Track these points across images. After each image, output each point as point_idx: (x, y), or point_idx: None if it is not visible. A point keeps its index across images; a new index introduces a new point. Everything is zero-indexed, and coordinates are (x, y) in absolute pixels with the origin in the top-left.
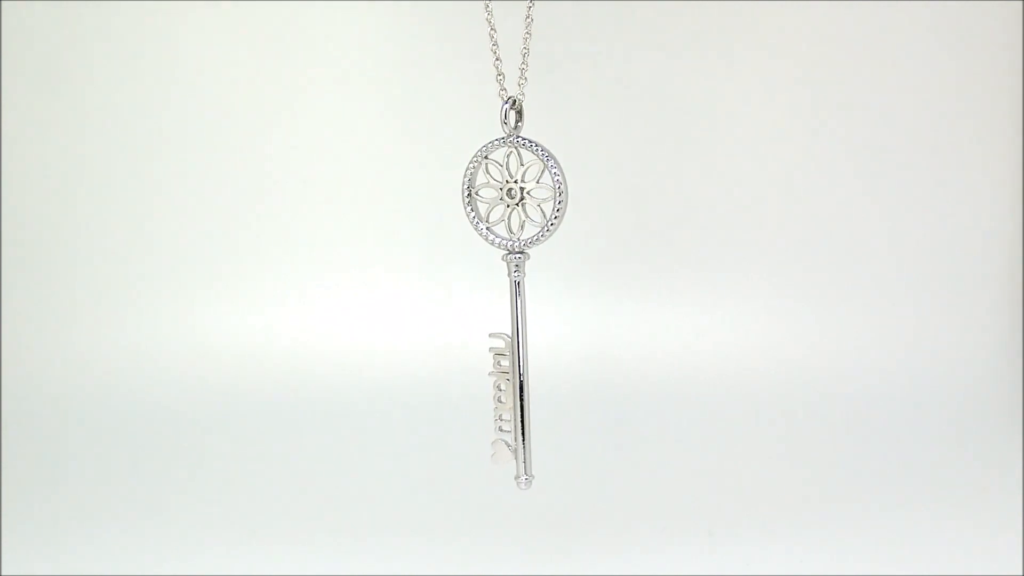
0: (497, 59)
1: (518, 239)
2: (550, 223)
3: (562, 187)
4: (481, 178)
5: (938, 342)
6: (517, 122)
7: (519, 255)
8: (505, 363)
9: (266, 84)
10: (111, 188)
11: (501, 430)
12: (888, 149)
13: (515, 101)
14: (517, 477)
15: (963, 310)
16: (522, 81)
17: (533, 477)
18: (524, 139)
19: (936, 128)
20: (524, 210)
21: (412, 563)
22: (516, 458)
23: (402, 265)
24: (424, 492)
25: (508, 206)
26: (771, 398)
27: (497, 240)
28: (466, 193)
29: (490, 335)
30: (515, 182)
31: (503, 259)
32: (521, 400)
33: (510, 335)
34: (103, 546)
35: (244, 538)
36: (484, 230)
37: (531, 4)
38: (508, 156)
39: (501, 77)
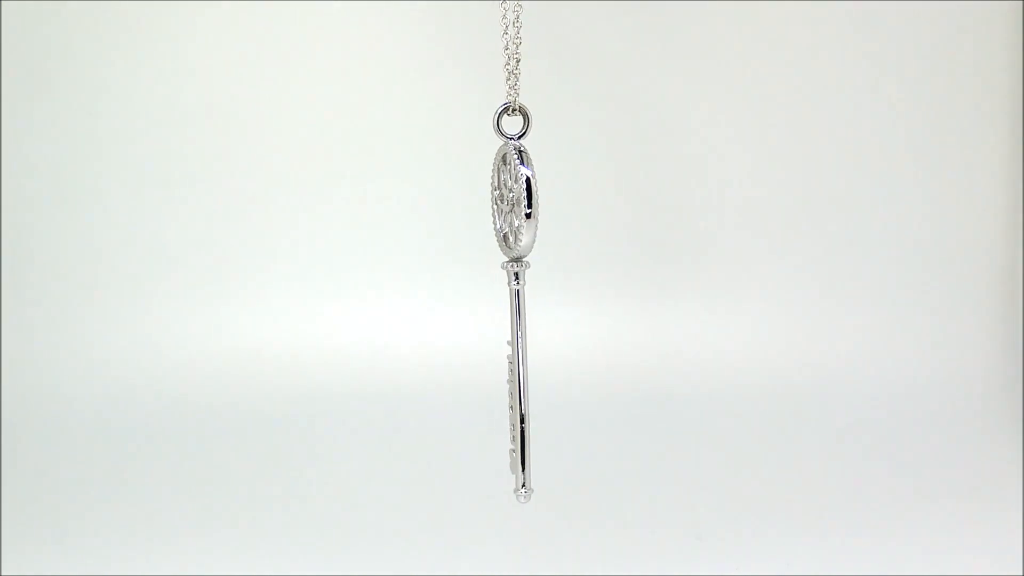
0: (507, 63)
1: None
2: (518, 228)
3: (521, 191)
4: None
5: (937, 343)
6: (524, 127)
7: (515, 263)
8: None
9: (269, 87)
10: (111, 189)
11: (515, 439)
12: (888, 150)
13: (509, 107)
14: (516, 490)
15: (962, 311)
16: (516, 85)
17: (532, 491)
18: (514, 144)
19: (934, 129)
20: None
21: (412, 565)
22: (515, 470)
23: (408, 269)
24: (424, 497)
25: (508, 212)
26: (771, 400)
27: (502, 247)
28: (493, 197)
29: (507, 342)
30: (507, 189)
31: (501, 266)
32: (521, 412)
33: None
34: (103, 546)
35: (244, 539)
36: (500, 237)
37: (519, 8)
38: (508, 162)
39: (511, 80)
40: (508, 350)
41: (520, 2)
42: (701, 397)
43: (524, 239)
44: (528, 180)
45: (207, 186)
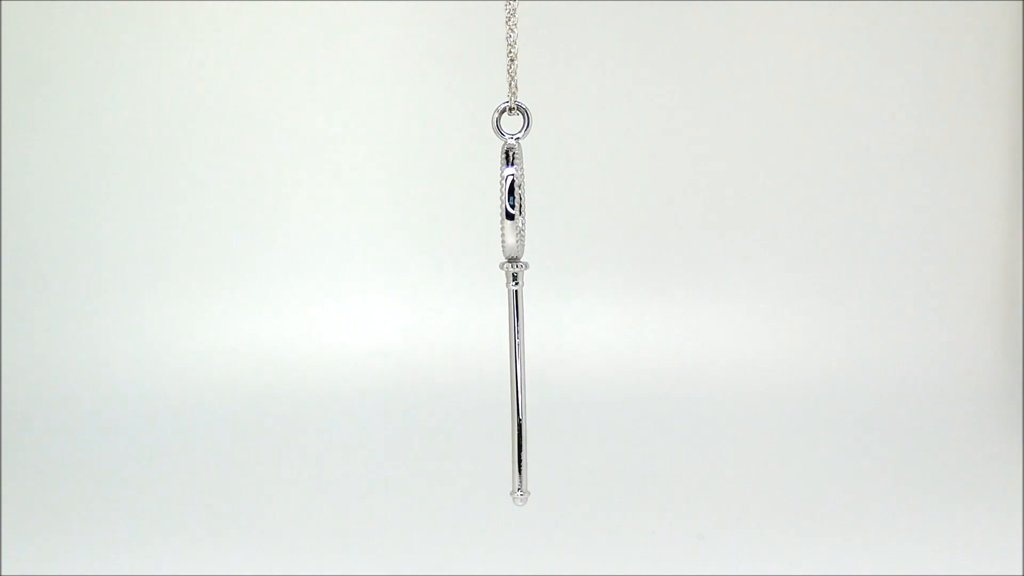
0: (512, 60)
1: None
2: (502, 229)
3: (504, 191)
4: None
5: (937, 343)
6: (524, 126)
7: (512, 263)
8: None
9: (268, 89)
10: (108, 190)
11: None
12: (887, 150)
13: (507, 106)
14: (512, 492)
15: (962, 311)
16: (512, 84)
17: (529, 493)
18: (508, 143)
19: (932, 129)
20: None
21: (410, 565)
22: (512, 473)
23: (409, 269)
24: (424, 497)
25: None
26: (770, 400)
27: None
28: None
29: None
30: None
31: (499, 267)
32: (518, 415)
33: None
34: (103, 546)
35: (244, 539)
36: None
37: (514, 7)
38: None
39: (511, 78)
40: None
41: (517, 1)
42: (702, 397)
43: (507, 240)
44: (512, 180)
45: (205, 187)
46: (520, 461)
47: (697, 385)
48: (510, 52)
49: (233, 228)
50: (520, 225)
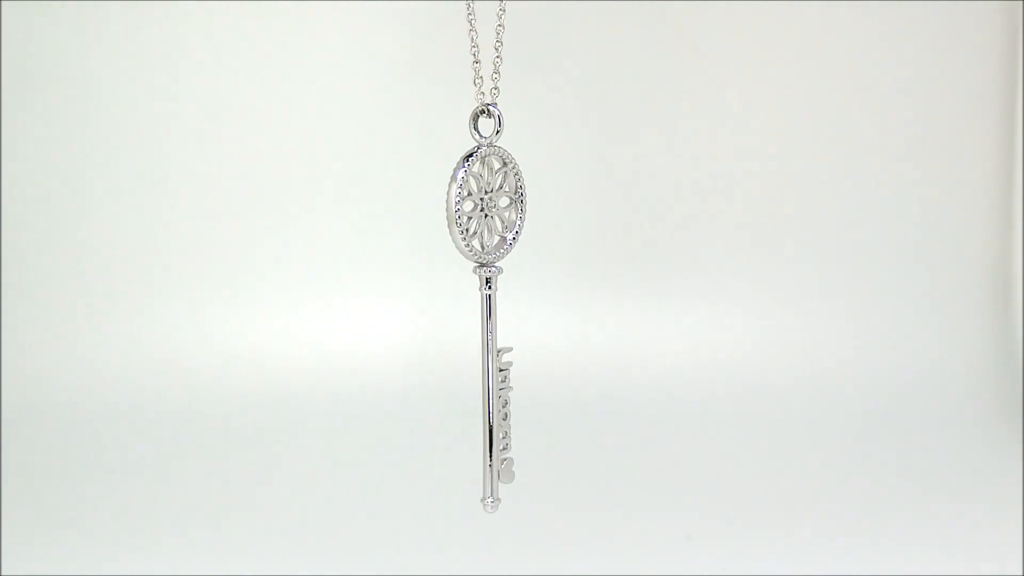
0: (476, 62)
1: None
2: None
3: (445, 194)
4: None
5: (935, 343)
6: (495, 128)
7: (484, 268)
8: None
9: (260, 91)
10: (103, 192)
11: (506, 447)
12: (882, 147)
13: (480, 109)
14: (483, 499)
15: (959, 311)
16: (495, 90)
17: (499, 500)
18: (476, 144)
19: (929, 126)
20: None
21: (399, 565)
22: (483, 479)
23: (393, 272)
24: (404, 501)
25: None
26: (767, 401)
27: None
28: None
29: (499, 350)
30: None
31: (473, 271)
32: (490, 420)
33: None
34: (103, 546)
35: (242, 539)
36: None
37: (502, 9)
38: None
39: (480, 80)
40: (505, 358)
41: (479, 2)
42: (694, 398)
43: (456, 243)
44: (460, 185)
45: (198, 190)
46: (491, 468)
47: (690, 386)
48: (475, 53)
49: (224, 232)
50: (497, 230)
